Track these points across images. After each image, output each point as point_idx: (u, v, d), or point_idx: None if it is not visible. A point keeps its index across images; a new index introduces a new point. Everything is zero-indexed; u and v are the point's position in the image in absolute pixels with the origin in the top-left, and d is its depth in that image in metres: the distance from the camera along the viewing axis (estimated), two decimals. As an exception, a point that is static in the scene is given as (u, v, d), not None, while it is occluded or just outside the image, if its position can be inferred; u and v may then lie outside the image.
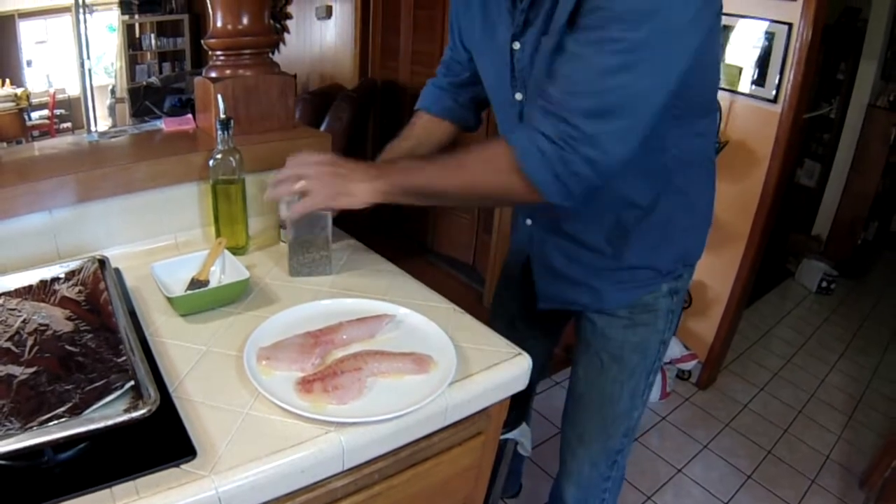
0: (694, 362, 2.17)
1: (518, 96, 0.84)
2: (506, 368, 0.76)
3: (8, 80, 4.34)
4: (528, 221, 0.97)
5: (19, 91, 4.37)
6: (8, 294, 0.76)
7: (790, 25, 1.71)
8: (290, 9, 3.57)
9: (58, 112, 4.66)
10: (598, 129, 0.67)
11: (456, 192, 0.78)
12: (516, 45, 0.80)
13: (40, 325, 0.69)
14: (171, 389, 0.67)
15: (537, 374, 1.25)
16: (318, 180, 0.77)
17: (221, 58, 1.09)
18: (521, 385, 0.78)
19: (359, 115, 2.71)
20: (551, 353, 1.27)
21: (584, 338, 0.99)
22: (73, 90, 4.67)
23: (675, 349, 2.10)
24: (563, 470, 1.04)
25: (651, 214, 0.85)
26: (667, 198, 0.84)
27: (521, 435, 0.72)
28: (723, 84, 1.88)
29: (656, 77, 0.66)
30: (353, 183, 0.76)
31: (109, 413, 0.56)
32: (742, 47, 1.84)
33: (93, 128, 4.62)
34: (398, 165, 0.83)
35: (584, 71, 0.66)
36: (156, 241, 0.99)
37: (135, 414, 0.56)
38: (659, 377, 1.92)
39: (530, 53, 0.78)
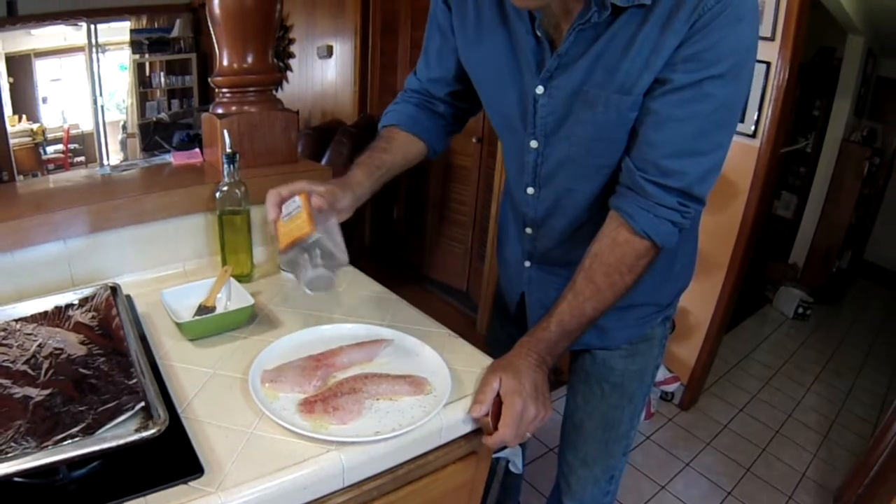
0: (677, 385, 2.20)
1: (533, 144, 0.77)
2: (498, 390, 0.77)
3: (24, 116, 4.41)
4: (527, 263, 0.94)
5: (35, 126, 4.45)
6: (24, 319, 0.77)
7: (768, 64, 1.77)
8: (293, 48, 3.67)
9: (72, 146, 4.73)
10: (709, 186, 0.70)
11: (609, 308, 0.75)
12: (539, 90, 0.72)
13: (55, 349, 0.71)
14: (179, 410, 0.69)
15: None
16: (515, 438, 0.70)
17: (227, 95, 1.12)
18: (513, 406, 0.80)
19: (358, 149, 2.75)
20: None
21: (583, 368, 0.97)
22: (87, 126, 4.75)
23: (658, 373, 2.13)
24: (566, 489, 1.05)
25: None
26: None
27: (513, 454, 0.75)
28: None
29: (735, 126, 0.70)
30: (538, 406, 0.71)
31: (121, 433, 0.58)
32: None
33: (105, 161, 4.72)
34: (549, 343, 0.74)
35: (691, 134, 0.66)
36: (165, 269, 1.01)
37: (145, 434, 0.57)
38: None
39: (562, 102, 0.71)
